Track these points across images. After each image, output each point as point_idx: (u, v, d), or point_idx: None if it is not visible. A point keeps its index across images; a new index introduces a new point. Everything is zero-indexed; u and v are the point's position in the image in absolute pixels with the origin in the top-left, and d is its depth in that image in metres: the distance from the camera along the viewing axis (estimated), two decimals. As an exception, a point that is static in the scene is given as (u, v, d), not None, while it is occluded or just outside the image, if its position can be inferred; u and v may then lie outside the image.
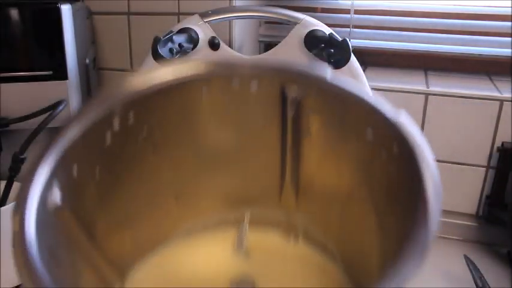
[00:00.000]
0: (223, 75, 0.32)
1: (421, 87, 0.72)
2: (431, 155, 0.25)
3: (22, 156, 0.58)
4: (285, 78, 0.31)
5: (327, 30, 0.61)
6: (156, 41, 0.55)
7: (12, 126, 0.62)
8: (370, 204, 0.30)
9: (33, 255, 0.23)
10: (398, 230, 0.25)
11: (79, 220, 0.29)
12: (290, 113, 0.32)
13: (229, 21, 0.74)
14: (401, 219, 0.25)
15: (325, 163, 0.34)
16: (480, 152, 0.72)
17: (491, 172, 0.72)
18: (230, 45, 0.74)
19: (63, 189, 0.27)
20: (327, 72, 0.31)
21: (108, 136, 0.30)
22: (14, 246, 0.23)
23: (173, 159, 0.34)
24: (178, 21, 0.76)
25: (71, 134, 0.27)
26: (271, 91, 0.32)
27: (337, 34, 0.58)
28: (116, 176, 0.32)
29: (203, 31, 0.63)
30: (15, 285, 0.61)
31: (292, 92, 0.31)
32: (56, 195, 0.26)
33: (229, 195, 0.38)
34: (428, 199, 0.22)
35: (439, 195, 0.23)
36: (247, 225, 0.37)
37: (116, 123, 0.30)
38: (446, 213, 0.76)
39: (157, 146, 0.33)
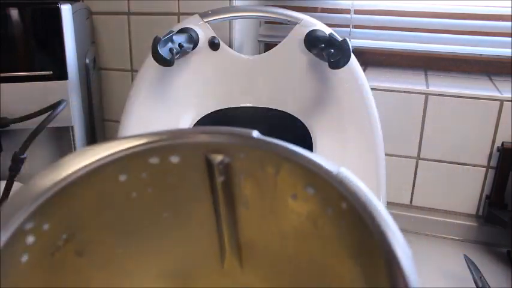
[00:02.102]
0: (137, 153, 0.29)
1: (421, 87, 0.72)
2: (384, 209, 0.24)
3: (22, 156, 0.58)
4: (208, 147, 0.29)
5: (327, 30, 0.61)
6: (156, 41, 0.55)
7: (12, 126, 0.62)
8: (322, 258, 0.29)
9: None
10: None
11: None
12: (219, 179, 0.30)
13: (229, 21, 0.74)
14: (367, 276, 0.24)
15: (265, 225, 0.31)
16: (480, 152, 0.72)
17: (491, 172, 0.72)
18: (230, 45, 0.75)
19: None
20: (252, 132, 0.29)
21: (24, 255, 0.26)
22: None
23: (101, 256, 0.31)
24: (178, 21, 0.76)
25: None
26: (194, 160, 0.30)
27: (337, 34, 0.58)
28: None
29: (203, 31, 0.63)
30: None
31: (218, 158, 0.29)
32: None
33: (169, 275, 0.35)
34: (401, 264, 0.21)
35: (407, 252, 0.21)
36: None
37: (29, 238, 0.26)
38: (446, 213, 0.76)
39: (81, 245, 0.29)
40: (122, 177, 0.29)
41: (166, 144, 0.29)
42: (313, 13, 0.84)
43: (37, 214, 0.26)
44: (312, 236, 0.29)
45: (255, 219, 0.32)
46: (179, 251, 0.34)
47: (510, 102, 0.69)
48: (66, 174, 0.27)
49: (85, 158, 0.28)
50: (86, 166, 0.28)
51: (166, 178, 0.30)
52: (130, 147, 0.29)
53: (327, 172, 0.26)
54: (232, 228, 0.32)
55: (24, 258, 0.26)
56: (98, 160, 0.28)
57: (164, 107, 0.63)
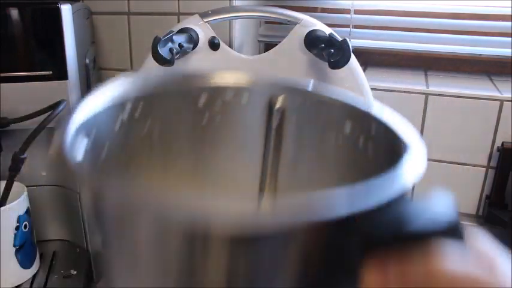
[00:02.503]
0: (220, 87, 0.35)
1: (421, 87, 0.72)
2: (410, 127, 0.29)
3: (22, 156, 0.58)
4: (274, 90, 0.34)
5: (327, 30, 0.61)
6: (156, 41, 0.55)
7: (12, 126, 0.62)
8: None
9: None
10: None
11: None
12: (275, 122, 0.34)
13: (229, 21, 0.74)
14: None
15: (302, 173, 0.35)
16: (480, 152, 0.72)
17: (491, 172, 0.72)
18: (230, 45, 0.75)
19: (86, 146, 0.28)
20: (310, 82, 0.34)
21: (118, 122, 0.31)
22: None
23: (163, 160, 0.35)
24: (178, 21, 0.76)
25: (93, 107, 0.30)
26: (259, 102, 0.34)
27: (337, 34, 0.58)
28: (115, 162, 0.32)
29: (203, 31, 0.63)
30: (15, 285, 0.61)
31: (278, 103, 0.34)
32: (81, 147, 0.27)
33: None
34: (410, 143, 0.26)
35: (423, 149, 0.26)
36: None
37: (126, 113, 0.31)
38: (446, 213, 0.76)
39: (153, 144, 0.34)
40: (202, 100, 0.34)
41: (243, 86, 0.35)
42: (313, 13, 0.84)
43: (137, 100, 0.32)
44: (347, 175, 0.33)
45: (295, 166, 0.35)
46: (226, 192, 0.37)
47: (510, 102, 0.69)
48: (167, 81, 0.33)
49: (188, 76, 0.34)
50: (184, 79, 0.34)
51: (233, 113, 0.35)
52: (219, 81, 0.34)
53: (364, 108, 0.31)
54: (275, 172, 0.36)
55: (117, 126, 0.31)
56: (195, 82, 0.34)
57: (164, 107, 0.63)
